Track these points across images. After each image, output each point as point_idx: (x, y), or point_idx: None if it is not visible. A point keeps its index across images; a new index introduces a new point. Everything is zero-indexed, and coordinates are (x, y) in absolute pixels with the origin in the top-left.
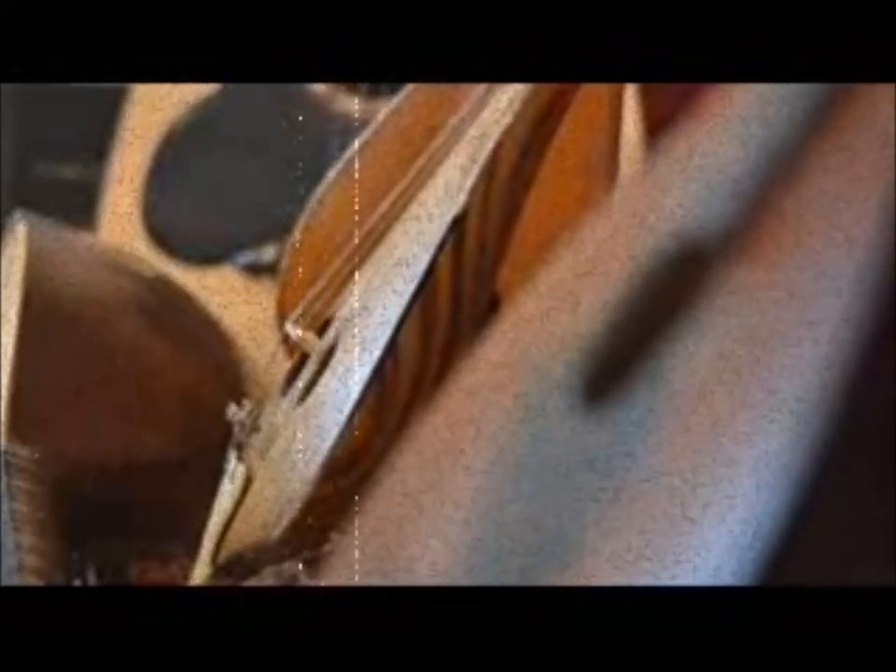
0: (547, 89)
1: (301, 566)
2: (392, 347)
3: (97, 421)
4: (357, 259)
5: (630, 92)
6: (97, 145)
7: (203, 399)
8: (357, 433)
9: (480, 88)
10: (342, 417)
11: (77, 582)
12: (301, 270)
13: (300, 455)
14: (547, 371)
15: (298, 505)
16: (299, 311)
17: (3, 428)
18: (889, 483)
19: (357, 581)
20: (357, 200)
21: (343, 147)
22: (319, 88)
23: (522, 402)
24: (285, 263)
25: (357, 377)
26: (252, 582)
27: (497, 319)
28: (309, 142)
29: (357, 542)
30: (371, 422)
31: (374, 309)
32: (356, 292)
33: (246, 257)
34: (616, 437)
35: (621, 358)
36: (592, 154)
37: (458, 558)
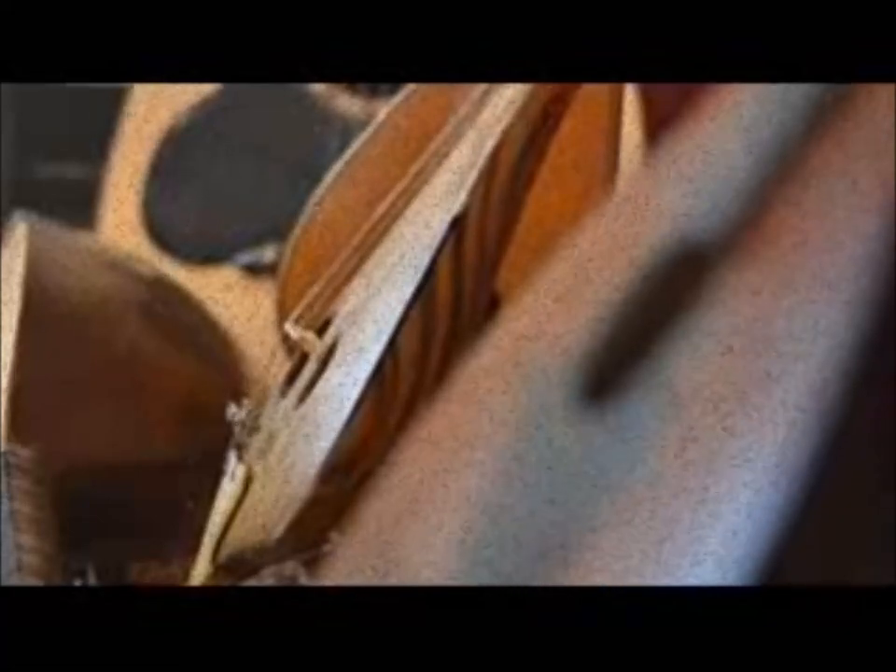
0: (547, 89)
1: (301, 566)
2: (392, 347)
3: (97, 421)
4: (357, 259)
5: (630, 93)
6: (97, 145)
7: (203, 398)
8: (357, 433)
9: (480, 88)
10: (342, 417)
11: (77, 582)
12: (301, 270)
13: (300, 456)
14: (547, 371)
15: (298, 505)
16: (299, 311)
17: (3, 428)
18: (890, 483)
19: (356, 581)
20: (356, 200)
21: (343, 147)
22: (319, 88)
23: (522, 402)
24: (285, 263)
25: (356, 377)
26: (252, 582)
27: (496, 319)
28: (309, 142)
29: (357, 542)
30: (371, 422)
31: (374, 309)
32: (356, 292)
33: (246, 257)
34: (616, 437)
35: (621, 359)
36: (592, 154)
37: (458, 558)
